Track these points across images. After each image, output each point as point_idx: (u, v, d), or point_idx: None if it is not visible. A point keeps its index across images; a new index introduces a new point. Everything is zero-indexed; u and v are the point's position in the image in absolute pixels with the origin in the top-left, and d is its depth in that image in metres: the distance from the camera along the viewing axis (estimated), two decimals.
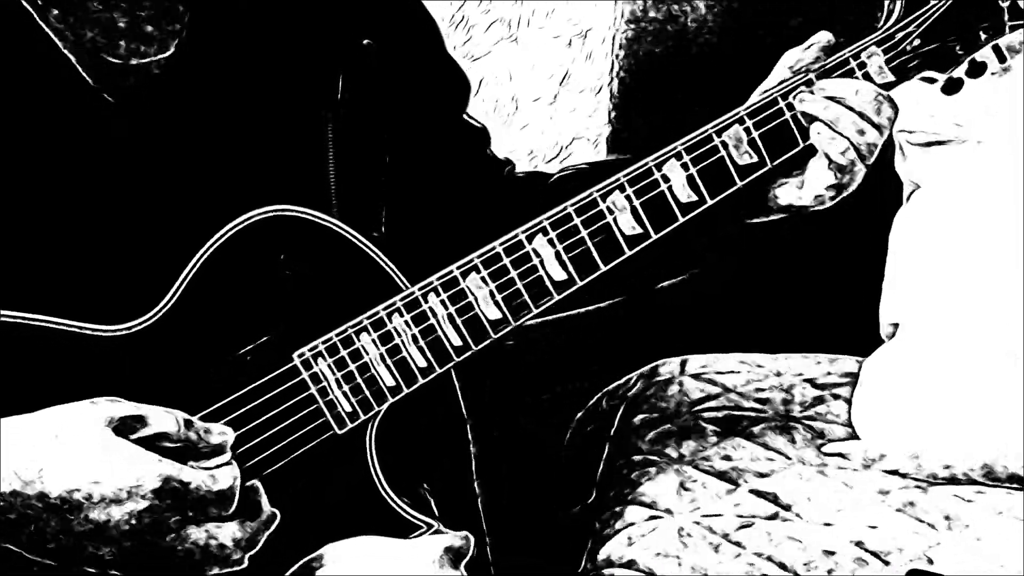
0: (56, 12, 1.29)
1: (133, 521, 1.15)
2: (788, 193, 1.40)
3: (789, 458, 1.87)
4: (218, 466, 1.20)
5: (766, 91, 1.40)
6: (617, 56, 2.25)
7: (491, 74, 2.26)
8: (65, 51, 1.29)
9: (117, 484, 1.15)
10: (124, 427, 1.18)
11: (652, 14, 2.23)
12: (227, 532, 1.20)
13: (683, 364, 2.11)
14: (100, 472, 1.15)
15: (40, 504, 1.15)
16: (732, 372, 2.08)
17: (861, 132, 1.36)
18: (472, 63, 2.24)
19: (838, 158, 1.36)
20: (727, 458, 1.86)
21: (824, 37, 1.41)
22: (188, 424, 1.20)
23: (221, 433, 1.22)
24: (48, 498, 1.15)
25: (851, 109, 1.36)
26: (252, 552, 1.21)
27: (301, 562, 1.28)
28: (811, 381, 2.05)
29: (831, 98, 1.37)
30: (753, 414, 1.97)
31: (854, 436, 1.91)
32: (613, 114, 2.27)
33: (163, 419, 1.19)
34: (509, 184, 1.56)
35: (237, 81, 1.35)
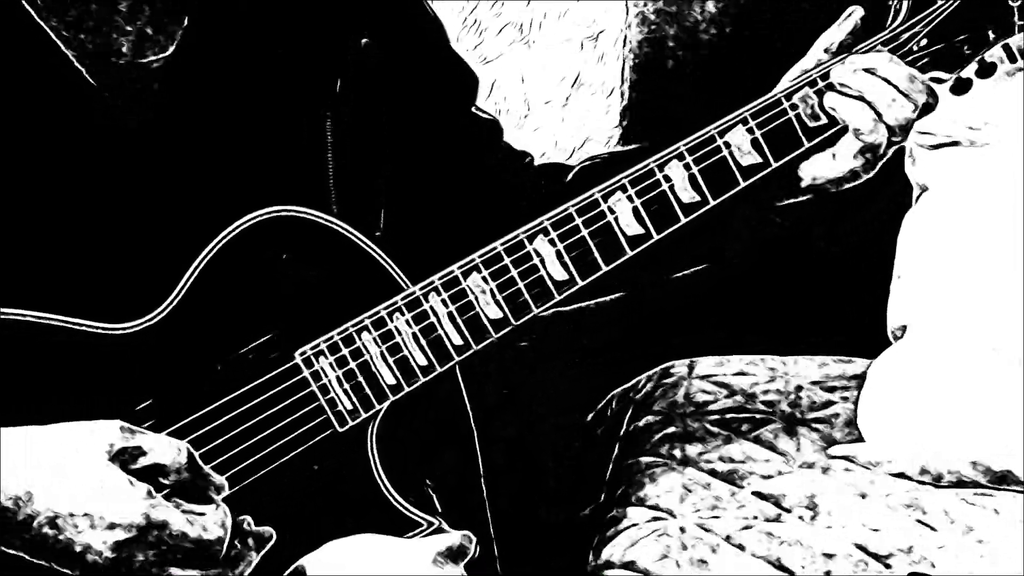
0: (57, 12, 1.30)
1: (111, 552, 1.16)
2: (820, 166, 1.39)
3: (794, 460, 1.87)
4: (209, 514, 1.20)
5: (795, 78, 1.39)
6: (628, 58, 2.25)
7: (503, 77, 2.27)
8: (66, 51, 1.30)
9: (106, 516, 1.16)
10: (124, 457, 1.18)
11: (663, 16, 2.23)
12: None
13: (692, 366, 2.11)
14: (91, 501, 1.16)
15: (27, 520, 1.16)
16: (740, 374, 2.08)
17: (893, 101, 1.35)
18: (484, 66, 2.25)
19: (866, 130, 1.35)
20: (731, 460, 1.86)
21: (856, 12, 1.40)
22: (191, 464, 1.20)
23: (216, 484, 1.22)
24: (35, 516, 1.16)
25: (885, 80, 1.35)
26: None
27: (301, 560, 1.29)
28: (819, 384, 2.05)
29: (865, 70, 1.35)
30: (760, 416, 1.97)
31: (860, 438, 1.90)
32: (625, 116, 2.28)
33: (164, 453, 1.19)
34: (528, 176, 1.56)
35: (237, 80, 1.36)
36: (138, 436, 1.19)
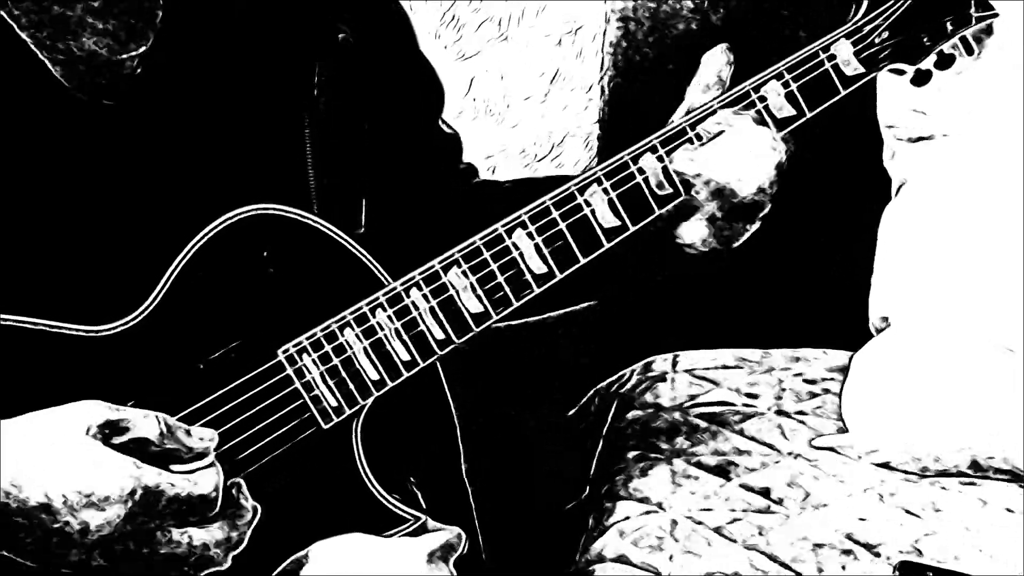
0: (29, 14, 1.30)
1: (114, 528, 1.15)
2: (693, 232, 1.42)
3: (780, 452, 1.87)
4: (200, 468, 1.20)
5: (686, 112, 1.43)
6: (608, 54, 2.25)
7: (482, 73, 2.27)
8: (36, 51, 1.30)
9: (96, 491, 1.15)
10: (105, 432, 1.18)
11: (642, 12, 2.23)
12: (210, 535, 1.19)
13: (675, 360, 2.11)
14: (79, 479, 1.15)
15: (19, 510, 1.15)
16: (724, 367, 2.08)
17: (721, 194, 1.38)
18: (463, 62, 2.25)
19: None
20: (718, 452, 1.86)
21: (714, 55, 1.43)
22: (170, 429, 1.20)
23: (203, 437, 1.21)
24: (27, 504, 1.15)
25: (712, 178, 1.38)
26: (237, 552, 1.22)
27: (288, 560, 1.29)
28: (801, 376, 2.06)
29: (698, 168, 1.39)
30: (745, 409, 1.97)
31: (844, 429, 1.91)
32: (604, 111, 2.28)
33: (145, 424, 1.19)
34: (470, 190, 1.57)
35: (212, 78, 1.35)
36: (116, 411, 1.19)
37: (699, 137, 1.39)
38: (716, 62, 1.43)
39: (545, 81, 2.28)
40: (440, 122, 1.55)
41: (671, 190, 1.40)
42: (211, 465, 1.20)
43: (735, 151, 1.38)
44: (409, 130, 1.50)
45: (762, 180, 1.38)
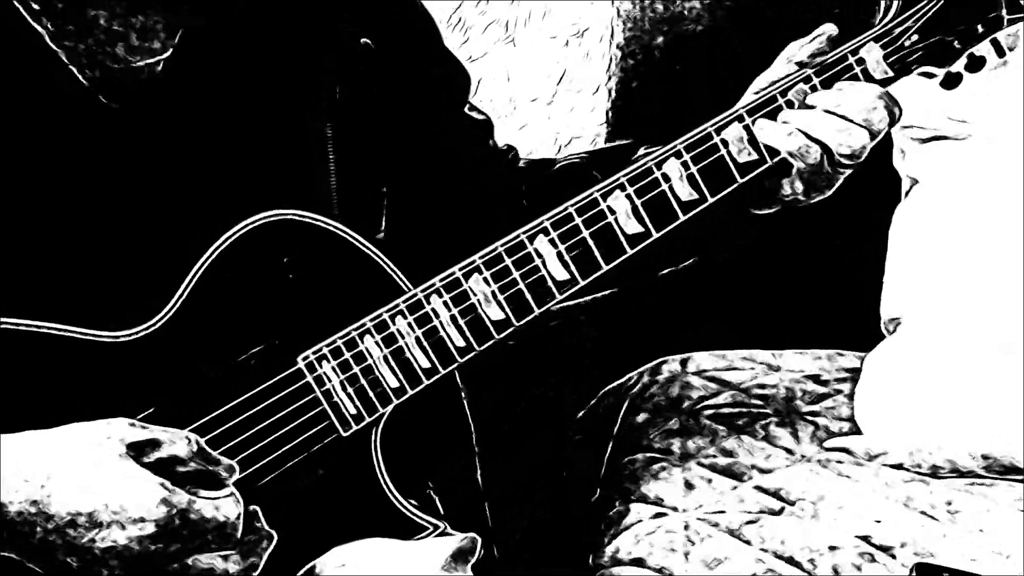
0: (52, 18, 1.29)
1: (137, 546, 1.15)
2: (785, 185, 1.41)
3: (793, 454, 1.87)
4: (224, 496, 1.20)
5: (761, 89, 1.40)
6: (614, 55, 2.25)
7: (489, 75, 2.26)
8: (62, 56, 1.29)
9: (124, 509, 1.15)
10: (136, 450, 1.18)
11: (649, 13, 2.23)
12: (229, 562, 1.20)
13: (685, 362, 2.11)
14: (107, 496, 1.15)
15: (47, 523, 1.14)
16: (734, 369, 2.08)
17: (839, 131, 1.37)
18: (470, 64, 2.24)
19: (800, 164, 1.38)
20: (731, 454, 1.86)
21: (828, 30, 1.41)
22: (200, 451, 1.20)
23: (228, 468, 1.22)
24: (55, 518, 1.14)
25: (837, 115, 1.37)
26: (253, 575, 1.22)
27: (308, 566, 1.29)
28: (813, 377, 2.05)
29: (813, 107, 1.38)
30: (756, 411, 1.97)
31: (857, 431, 1.91)
32: (611, 113, 2.28)
33: (176, 444, 1.19)
34: (512, 172, 1.56)
35: (235, 83, 1.35)
36: (148, 430, 1.19)
37: (790, 104, 1.38)
38: (815, 35, 1.42)
39: (552, 83, 2.28)
40: (468, 108, 1.54)
41: (756, 156, 1.38)
42: (231, 494, 1.20)
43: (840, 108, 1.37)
44: (436, 120, 1.49)
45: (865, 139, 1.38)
